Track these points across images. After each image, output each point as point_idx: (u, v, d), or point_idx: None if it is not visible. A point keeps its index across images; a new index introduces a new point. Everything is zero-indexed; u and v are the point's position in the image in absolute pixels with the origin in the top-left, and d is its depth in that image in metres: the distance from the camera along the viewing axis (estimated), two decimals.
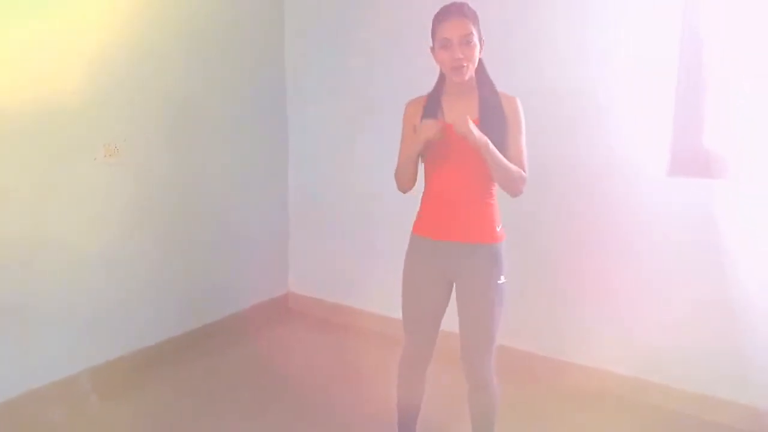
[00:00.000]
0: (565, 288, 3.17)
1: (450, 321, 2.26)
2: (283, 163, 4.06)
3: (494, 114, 2.07)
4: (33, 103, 2.69)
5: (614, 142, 2.95)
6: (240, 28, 3.66)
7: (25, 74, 2.66)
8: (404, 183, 2.21)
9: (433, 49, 2.11)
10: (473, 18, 2.05)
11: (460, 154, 2.09)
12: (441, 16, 2.07)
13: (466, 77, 2.07)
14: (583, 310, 3.13)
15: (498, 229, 2.17)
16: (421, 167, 2.22)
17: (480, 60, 2.11)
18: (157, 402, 3.00)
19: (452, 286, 2.24)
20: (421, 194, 2.25)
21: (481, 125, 2.04)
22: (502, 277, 2.16)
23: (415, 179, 2.20)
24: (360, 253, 3.87)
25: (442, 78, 2.18)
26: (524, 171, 2.11)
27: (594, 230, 3.05)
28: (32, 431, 2.69)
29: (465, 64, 2.03)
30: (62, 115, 2.80)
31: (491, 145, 2.00)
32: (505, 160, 2.04)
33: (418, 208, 2.26)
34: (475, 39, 2.04)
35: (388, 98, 3.16)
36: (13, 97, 2.63)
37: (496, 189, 2.18)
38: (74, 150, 2.88)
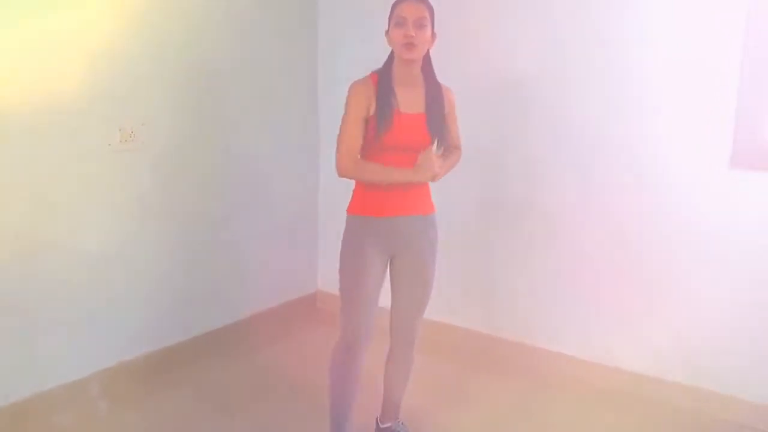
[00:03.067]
0: (600, 283, 3.06)
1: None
2: (314, 154, 3.83)
3: (438, 105, 2.32)
4: (41, 88, 2.51)
5: (671, 133, 2.86)
6: (269, 7, 3.44)
7: (32, 54, 2.48)
8: (355, 179, 2.30)
9: (387, 32, 2.24)
10: (429, 8, 2.23)
11: (409, 139, 2.24)
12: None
13: (416, 55, 2.21)
14: (621, 306, 3.03)
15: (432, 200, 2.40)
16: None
17: (428, 54, 2.29)
18: (173, 408, 2.84)
19: (388, 262, 2.36)
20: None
21: (428, 114, 2.28)
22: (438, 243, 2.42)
23: None
24: None
25: (389, 62, 2.28)
26: (460, 146, 2.48)
27: (641, 223, 2.96)
28: None
29: (416, 43, 2.17)
30: (71, 104, 2.61)
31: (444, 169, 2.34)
32: (449, 162, 2.39)
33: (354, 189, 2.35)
34: (428, 25, 2.21)
35: None
36: (19, 85, 2.46)
37: None
38: (86, 138, 2.70)
